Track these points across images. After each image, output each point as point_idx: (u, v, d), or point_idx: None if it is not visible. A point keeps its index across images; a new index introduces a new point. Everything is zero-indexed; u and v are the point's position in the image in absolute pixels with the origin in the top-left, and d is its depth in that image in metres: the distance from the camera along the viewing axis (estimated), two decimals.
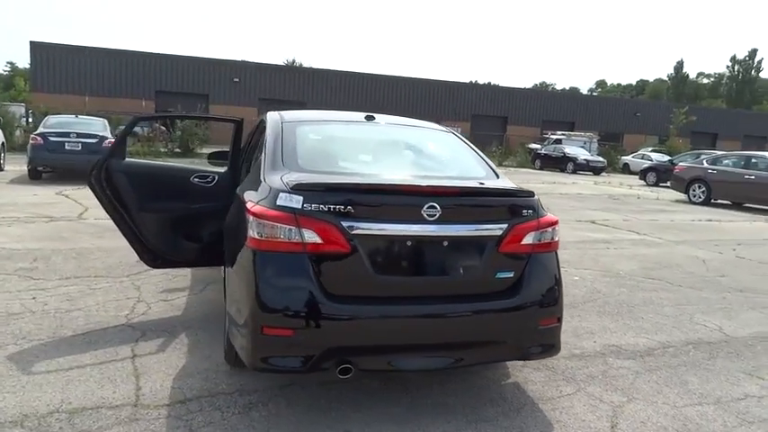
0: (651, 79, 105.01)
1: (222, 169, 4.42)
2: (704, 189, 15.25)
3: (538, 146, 33.54)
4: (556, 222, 3.07)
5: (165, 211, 4.12)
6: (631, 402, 3.30)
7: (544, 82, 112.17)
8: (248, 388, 3.17)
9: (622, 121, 44.45)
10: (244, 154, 4.40)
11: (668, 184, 19.05)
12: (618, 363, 3.88)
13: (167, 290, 4.88)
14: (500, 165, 30.66)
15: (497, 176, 3.42)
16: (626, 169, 30.92)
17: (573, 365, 3.76)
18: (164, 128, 24.87)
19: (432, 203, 2.73)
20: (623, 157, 32.59)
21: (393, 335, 2.74)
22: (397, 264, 2.79)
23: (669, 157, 27.25)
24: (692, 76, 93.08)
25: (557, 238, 3.08)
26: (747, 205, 15.13)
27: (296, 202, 2.66)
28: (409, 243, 2.77)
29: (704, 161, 16.11)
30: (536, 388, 3.41)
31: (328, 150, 3.52)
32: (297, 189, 2.69)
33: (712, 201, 15.28)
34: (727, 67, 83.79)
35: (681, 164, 17.91)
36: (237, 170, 4.33)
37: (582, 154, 29.24)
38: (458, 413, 3.05)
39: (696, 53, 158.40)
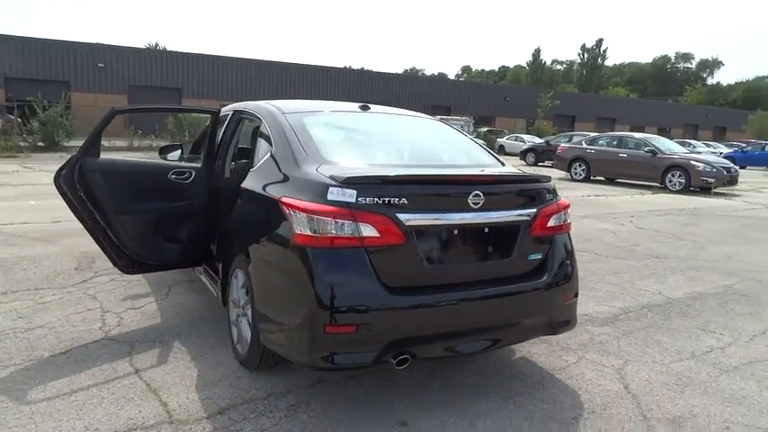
0: (512, 65, 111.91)
1: (194, 164, 4.15)
2: (584, 167, 16.70)
3: None
4: (569, 205, 3.28)
5: (144, 212, 3.81)
6: (628, 364, 3.63)
7: (414, 67, 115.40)
8: (279, 390, 3.07)
9: (494, 105, 47.00)
10: (217, 148, 4.15)
11: (546, 163, 20.54)
12: (598, 330, 4.23)
13: (129, 297, 4.52)
14: None
15: (502, 163, 3.56)
16: (501, 151, 32.87)
17: (562, 337, 4.03)
18: (19, 119, 22.52)
19: (477, 192, 2.81)
20: (499, 140, 34.58)
21: (446, 321, 2.80)
22: (445, 252, 2.84)
23: (540, 139, 29.38)
24: (548, 62, 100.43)
25: (569, 220, 3.29)
26: (619, 180, 16.80)
27: (349, 196, 2.61)
28: (455, 231, 2.83)
29: (583, 142, 17.60)
30: (544, 360, 3.64)
31: (344, 141, 3.46)
32: (349, 183, 2.63)
33: (591, 178, 16.77)
34: (579, 54, 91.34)
35: (562, 145, 19.40)
36: (214, 165, 4.09)
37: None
38: (490, 391, 3.18)
39: (551, 41, 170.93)
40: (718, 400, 3.20)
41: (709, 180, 14.47)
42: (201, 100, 35.07)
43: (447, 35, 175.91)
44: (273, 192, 2.95)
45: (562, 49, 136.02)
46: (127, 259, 3.90)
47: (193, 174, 3.97)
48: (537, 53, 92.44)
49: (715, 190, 14.73)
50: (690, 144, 27.98)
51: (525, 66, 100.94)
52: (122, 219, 3.73)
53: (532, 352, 3.75)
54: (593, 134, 20.48)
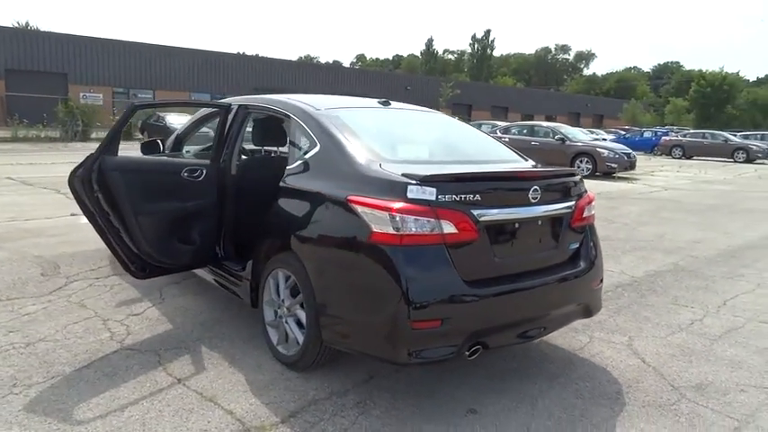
0: (405, 54, 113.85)
1: (203, 162, 3.95)
2: None
3: None
4: (594, 197, 3.53)
5: (161, 213, 3.60)
6: (633, 340, 3.97)
7: (308, 55, 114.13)
8: (337, 389, 3.07)
9: (395, 94, 47.54)
10: (221, 144, 3.97)
11: None
12: None
13: (122, 303, 4.24)
14: None
15: (525, 158, 3.74)
16: None
17: None
18: None
19: (535, 187, 2.96)
20: None
21: (513, 310, 2.93)
22: (508, 245, 2.96)
23: None
24: (440, 52, 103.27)
25: (594, 211, 3.53)
26: None
27: (429, 194, 2.65)
28: (516, 225, 2.96)
29: (497, 131, 18.42)
30: (562, 342, 3.88)
31: (386, 138, 3.45)
32: (428, 181, 2.68)
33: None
34: (469, 44, 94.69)
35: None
36: (222, 163, 3.93)
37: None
38: (532, 374, 3.36)
39: (443, 31, 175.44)
40: (721, 366, 3.60)
41: (613, 165, 15.72)
42: (91, 87, 32.84)
43: (341, 23, 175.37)
44: (333, 190, 2.92)
45: (453, 39, 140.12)
46: (140, 263, 3.67)
47: (204, 171, 3.79)
48: (430, 43, 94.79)
49: (617, 174, 16.03)
50: (593, 132, 30.01)
51: (419, 55, 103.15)
52: (140, 220, 3.49)
53: (548, 336, 3.98)
54: (502, 124, 21.44)
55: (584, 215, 3.32)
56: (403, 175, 2.74)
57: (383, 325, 2.66)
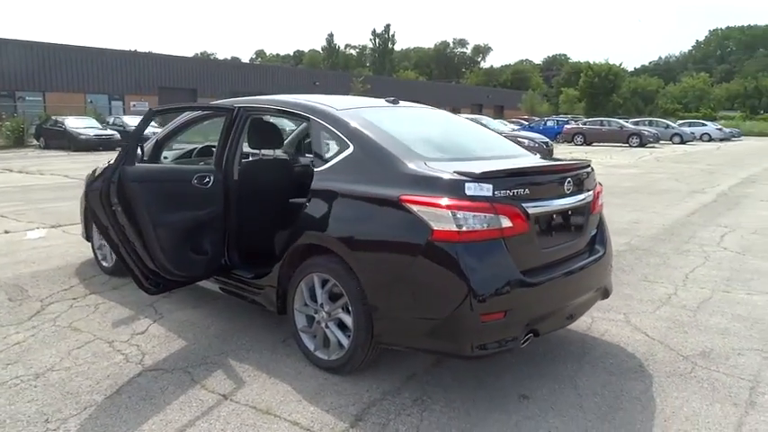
0: (307, 50, 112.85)
1: (209, 167, 3.79)
2: None
3: None
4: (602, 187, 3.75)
5: (178, 223, 3.43)
6: (629, 317, 4.26)
7: (205, 51, 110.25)
8: (387, 388, 3.08)
9: (304, 90, 47.10)
10: (225, 148, 3.83)
11: None
12: None
13: (118, 322, 3.99)
14: (207, 139, 29.84)
15: (532, 152, 3.90)
16: None
17: None
18: None
19: (569, 179, 3.12)
20: None
21: (558, 297, 3.08)
22: (549, 235, 3.09)
23: None
24: (342, 47, 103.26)
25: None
26: None
27: (486, 190, 2.73)
28: (554, 216, 3.10)
29: None
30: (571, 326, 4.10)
31: (416, 136, 3.46)
32: (484, 178, 2.75)
33: None
34: (370, 39, 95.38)
35: None
36: (227, 168, 3.79)
37: (287, 125, 30.39)
38: (558, 357, 3.54)
39: (343, 26, 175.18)
40: (712, 334, 3.95)
41: (534, 154, 16.48)
42: None
43: (238, 18, 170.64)
44: (380, 191, 2.92)
45: (354, 34, 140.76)
46: (155, 278, 3.47)
47: (212, 178, 3.65)
48: (330, 38, 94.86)
49: None
50: (508, 122, 31.22)
51: (320, 50, 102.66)
52: (159, 232, 3.31)
53: None
54: None
55: (598, 203, 3.53)
56: (455, 172, 2.80)
57: (450, 320, 2.71)
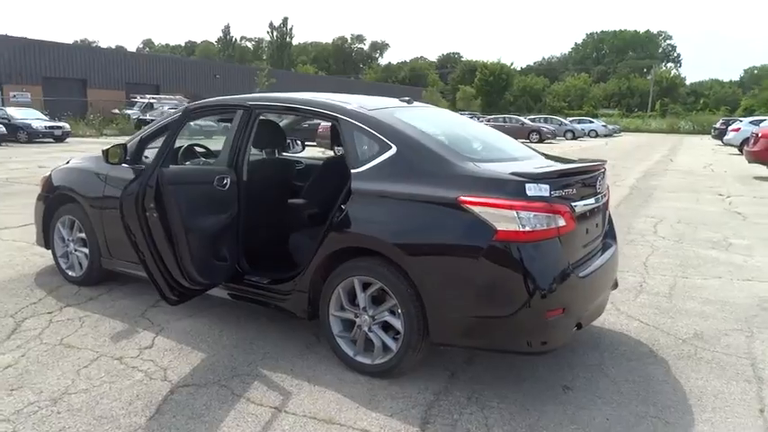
0: (199, 41, 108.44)
1: (223, 168, 3.58)
2: None
3: (133, 111, 31.77)
4: None
5: (206, 228, 3.23)
6: (617, 305, 4.52)
7: (86, 39, 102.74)
8: (435, 388, 3.11)
9: (204, 83, 45.34)
10: (236, 148, 3.64)
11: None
12: None
13: (115, 336, 3.68)
14: (101, 134, 27.97)
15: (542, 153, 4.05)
16: None
17: None
18: None
19: (600, 178, 3.29)
20: None
21: (597, 290, 3.24)
22: (585, 232, 3.23)
23: None
24: (238, 39, 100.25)
25: None
26: None
27: (544, 190, 2.82)
28: (587, 213, 3.25)
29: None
30: None
31: (450, 137, 3.46)
32: (542, 178, 2.83)
33: None
34: (267, 32, 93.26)
35: (323, 124, 20.14)
36: (238, 169, 3.61)
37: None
38: (579, 348, 3.70)
39: (239, 18, 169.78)
40: (694, 317, 4.31)
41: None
42: None
43: (123, 4, 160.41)
44: (433, 192, 2.92)
45: (251, 27, 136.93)
46: (179, 288, 3.24)
47: (229, 180, 3.46)
48: (227, 29, 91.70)
49: None
50: None
51: (215, 42, 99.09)
52: (190, 238, 3.08)
53: None
54: None
55: (608, 198, 3.74)
56: (513, 174, 2.86)
57: (516, 318, 2.77)
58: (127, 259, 4.25)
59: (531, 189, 2.79)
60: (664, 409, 2.95)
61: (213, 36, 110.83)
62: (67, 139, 23.17)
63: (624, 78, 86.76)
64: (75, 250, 4.61)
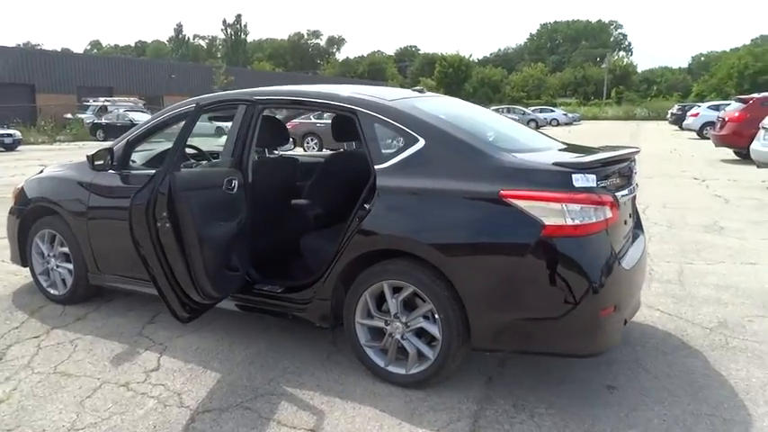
0: (150, 41, 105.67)
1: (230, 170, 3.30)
2: (316, 141, 17.54)
3: (87, 115, 30.62)
4: None
5: (219, 236, 2.95)
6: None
7: (29, 42, 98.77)
8: (476, 396, 2.91)
9: (159, 83, 44.05)
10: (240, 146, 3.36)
11: None
12: None
13: (114, 359, 3.36)
14: (55, 140, 26.81)
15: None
16: None
17: None
18: None
19: (634, 167, 3.14)
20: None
21: (638, 283, 3.10)
22: (624, 222, 3.07)
23: None
24: (191, 38, 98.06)
25: None
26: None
27: (591, 181, 2.64)
28: (625, 203, 3.09)
29: (311, 116, 18.28)
30: None
31: (478, 127, 3.23)
32: (588, 168, 2.65)
33: (324, 149, 17.70)
34: (221, 29, 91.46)
35: (293, 120, 19.73)
36: (243, 169, 3.33)
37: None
38: (622, 343, 3.57)
39: (191, 16, 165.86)
40: (713, 305, 4.22)
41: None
42: None
43: (67, 5, 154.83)
44: (471, 186, 2.71)
45: (204, 24, 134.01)
46: (191, 303, 2.95)
47: (236, 182, 3.18)
48: (179, 28, 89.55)
49: None
50: None
51: (166, 42, 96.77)
52: (204, 248, 2.80)
53: None
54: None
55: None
56: (555, 164, 2.67)
57: (569, 319, 2.59)
58: (118, 273, 3.92)
59: (578, 180, 2.61)
60: (717, 405, 2.82)
61: (164, 35, 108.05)
62: (19, 148, 22.07)
63: (579, 67, 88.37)
64: (57, 266, 4.24)
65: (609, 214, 2.69)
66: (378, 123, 3.07)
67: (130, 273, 3.82)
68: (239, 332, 3.69)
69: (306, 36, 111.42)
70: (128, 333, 3.73)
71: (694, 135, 24.48)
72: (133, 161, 4.04)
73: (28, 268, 4.43)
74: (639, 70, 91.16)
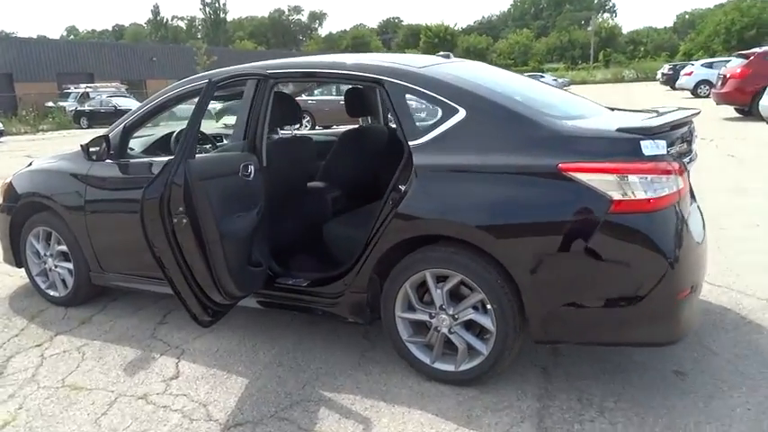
0: (128, 24, 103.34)
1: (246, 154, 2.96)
2: (308, 119, 17.03)
3: (69, 103, 29.88)
4: None
5: (241, 230, 2.63)
6: None
7: (2, 31, 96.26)
8: (534, 391, 2.64)
9: (140, 67, 42.99)
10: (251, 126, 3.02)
11: None
12: None
13: (128, 368, 3.06)
14: (38, 130, 26.08)
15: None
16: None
17: None
18: None
19: (694, 130, 2.84)
20: None
21: (706, 258, 2.81)
22: (688, 192, 2.77)
23: None
24: (169, 19, 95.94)
25: None
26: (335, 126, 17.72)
27: (662, 147, 2.33)
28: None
29: (302, 95, 17.80)
30: None
31: (515, 91, 2.89)
32: (656, 133, 2.34)
33: (317, 126, 17.25)
34: (200, 9, 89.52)
35: None
36: (257, 152, 3.00)
37: (133, 105, 27.56)
38: None
39: None
40: (761, 273, 3.97)
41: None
42: None
43: None
44: (524, 160, 2.39)
45: (182, 4, 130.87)
46: (212, 305, 2.64)
47: (252, 167, 2.85)
48: (156, 9, 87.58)
49: None
50: None
51: (144, 25, 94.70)
52: (225, 244, 2.48)
53: None
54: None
55: None
56: (620, 130, 2.36)
57: (644, 305, 2.30)
58: (123, 272, 3.60)
59: (648, 147, 2.30)
60: None
61: (142, 18, 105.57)
62: (2, 138, 21.42)
63: (564, 32, 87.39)
64: (56, 266, 3.90)
65: (681, 184, 2.38)
66: (410, 94, 2.73)
67: (137, 270, 3.50)
68: (261, 330, 3.39)
69: (287, 12, 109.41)
70: (139, 336, 3.42)
71: (688, 95, 24.15)
72: (131, 149, 3.68)
73: (23, 269, 4.09)
74: (625, 31, 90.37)
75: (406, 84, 2.73)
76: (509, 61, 73.54)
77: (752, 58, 13.88)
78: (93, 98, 28.47)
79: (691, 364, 2.81)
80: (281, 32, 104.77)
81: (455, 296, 2.64)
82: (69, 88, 32.41)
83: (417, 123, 2.69)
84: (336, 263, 3.01)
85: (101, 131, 3.71)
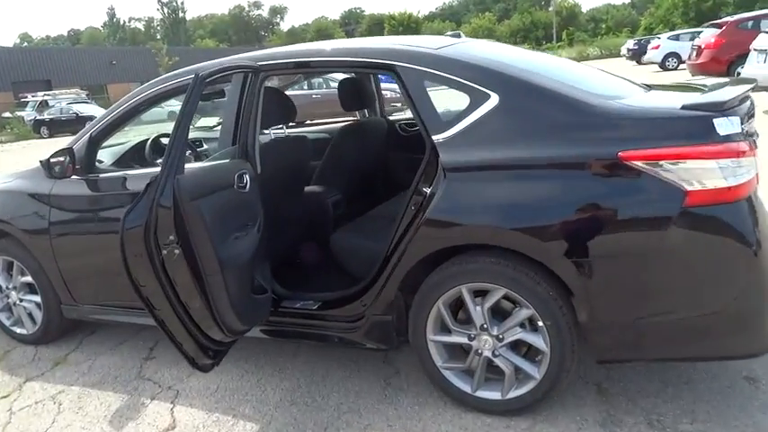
0: (83, 28, 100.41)
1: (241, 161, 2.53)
2: None
3: (27, 112, 28.77)
4: None
5: (242, 254, 2.19)
6: None
7: None
8: (593, 415, 2.28)
9: (99, 72, 41.64)
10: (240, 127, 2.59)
11: None
12: None
13: (112, 422, 2.62)
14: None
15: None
16: None
17: None
18: None
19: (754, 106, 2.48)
20: None
21: None
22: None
23: None
24: (126, 21, 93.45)
25: None
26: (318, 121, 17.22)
27: (736, 125, 1.97)
28: None
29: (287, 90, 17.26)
30: None
31: (549, 71, 2.49)
32: (727, 109, 1.98)
33: (306, 123, 16.72)
34: (158, 9, 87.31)
35: None
36: (250, 158, 2.57)
37: (95, 111, 26.55)
38: None
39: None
40: None
41: (397, 105, 16.09)
42: None
43: None
44: (575, 150, 2.02)
45: (138, 6, 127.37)
46: (213, 345, 2.22)
47: (247, 177, 2.42)
48: (112, 11, 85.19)
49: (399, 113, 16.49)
50: None
51: (101, 28, 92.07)
52: (226, 274, 2.05)
53: None
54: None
55: None
56: (686, 107, 2.00)
57: (727, 314, 1.96)
58: (99, 302, 3.14)
59: (722, 125, 1.94)
60: None
61: (98, 21, 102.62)
62: None
63: (526, 13, 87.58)
64: (21, 300, 3.42)
65: (757, 168, 2.04)
66: (428, 80, 2.33)
67: (115, 300, 3.06)
68: (265, 360, 2.97)
69: (247, 8, 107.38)
70: (124, 377, 2.98)
71: (656, 68, 24.19)
72: (100, 161, 3.21)
73: None
74: (584, 10, 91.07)
75: (424, 68, 2.32)
76: None
77: (724, 27, 13.77)
78: (53, 106, 27.38)
79: (762, 369, 2.48)
80: (243, 29, 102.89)
81: (497, 313, 2.27)
82: (26, 97, 31.24)
83: (442, 115, 2.29)
84: (349, 280, 2.61)
85: (64, 140, 3.23)
